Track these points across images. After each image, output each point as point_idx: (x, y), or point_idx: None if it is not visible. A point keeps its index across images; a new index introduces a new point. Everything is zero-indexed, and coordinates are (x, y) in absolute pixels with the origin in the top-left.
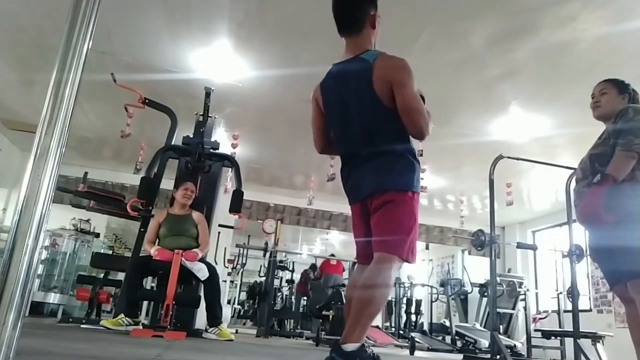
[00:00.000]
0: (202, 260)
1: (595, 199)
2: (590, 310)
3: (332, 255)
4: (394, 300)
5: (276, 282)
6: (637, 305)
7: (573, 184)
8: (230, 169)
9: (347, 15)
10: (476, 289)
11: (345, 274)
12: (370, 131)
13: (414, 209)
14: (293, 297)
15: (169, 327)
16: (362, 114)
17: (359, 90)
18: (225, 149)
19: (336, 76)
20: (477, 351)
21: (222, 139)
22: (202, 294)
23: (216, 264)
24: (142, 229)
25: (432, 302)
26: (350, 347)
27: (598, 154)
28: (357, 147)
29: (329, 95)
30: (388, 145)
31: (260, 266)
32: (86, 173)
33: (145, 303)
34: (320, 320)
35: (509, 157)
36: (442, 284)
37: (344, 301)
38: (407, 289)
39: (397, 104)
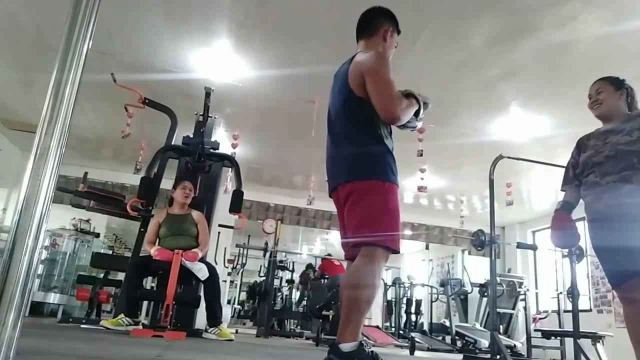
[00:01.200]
0: (202, 260)
1: None
2: (590, 310)
3: (329, 254)
4: (394, 300)
5: (276, 282)
6: None
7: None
8: (230, 169)
9: (364, 23)
10: (476, 289)
11: None
12: (341, 121)
13: (385, 196)
14: (294, 297)
15: (169, 327)
16: (337, 105)
17: (340, 83)
18: (225, 149)
19: (336, 74)
20: (477, 351)
21: (222, 139)
22: (202, 294)
23: (216, 264)
24: (142, 229)
25: (432, 302)
26: (346, 346)
27: (637, 152)
28: (332, 137)
29: (331, 91)
30: (355, 136)
31: (260, 266)
32: (86, 173)
33: (145, 303)
34: (320, 320)
35: (509, 157)
36: (442, 284)
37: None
38: (407, 289)
39: (367, 89)
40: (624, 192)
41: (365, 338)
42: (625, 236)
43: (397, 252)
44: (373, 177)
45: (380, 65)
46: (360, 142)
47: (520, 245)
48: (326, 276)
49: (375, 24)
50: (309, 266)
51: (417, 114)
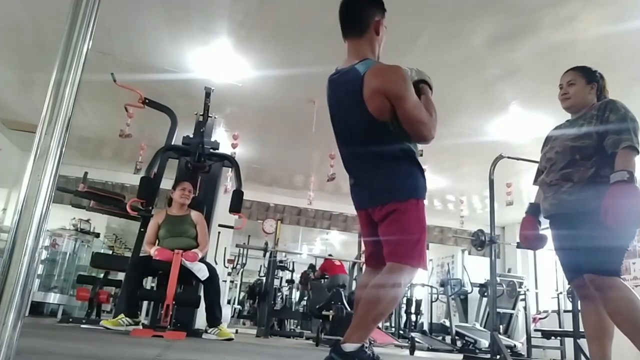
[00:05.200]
0: (202, 260)
1: (636, 199)
2: None
3: (330, 255)
4: None
5: (276, 282)
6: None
7: None
8: (230, 169)
9: (351, 18)
10: (476, 289)
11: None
12: (367, 145)
13: (420, 215)
14: (294, 297)
15: (169, 327)
16: (356, 127)
17: (349, 104)
18: (225, 149)
19: (332, 86)
20: (477, 351)
21: (222, 139)
22: (202, 294)
23: (216, 264)
24: (142, 229)
25: (432, 302)
26: (349, 347)
27: (580, 147)
28: (353, 156)
29: (328, 101)
30: (384, 154)
31: (260, 266)
32: (86, 173)
33: (145, 303)
34: (320, 320)
35: (509, 157)
36: (442, 284)
37: (345, 302)
38: (407, 289)
39: (399, 116)
40: (564, 191)
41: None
42: (570, 235)
43: (424, 269)
44: (411, 196)
45: (407, 89)
46: (395, 163)
47: (520, 245)
48: (326, 276)
49: (363, 19)
50: (311, 267)
51: None
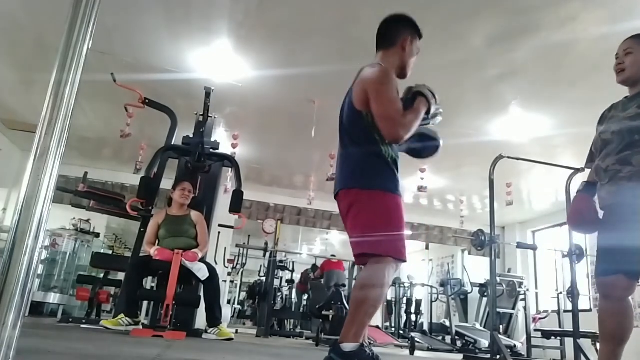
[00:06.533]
0: (202, 260)
1: None
2: (590, 310)
3: (333, 255)
4: (394, 300)
5: (276, 282)
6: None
7: (575, 183)
8: (230, 169)
9: (382, 31)
10: (476, 289)
11: (346, 274)
12: (347, 132)
13: (387, 205)
14: (294, 297)
15: (169, 327)
16: (345, 116)
17: (347, 96)
18: (225, 149)
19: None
20: (477, 351)
21: (222, 139)
22: (202, 294)
23: (216, 264)
24: (142, 229)
25: (432, 302)
26: (348, 346)
27: None
28: (341, 145)
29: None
30: (358, 147)
31: (260, 266)
32: (86, 173)
33: (145, 303)
34: (320, 320)
35: (509, 157)
36: (442, 284)
37: (345, 302)
38: (407, 289)
39: (372, 110)
40: (623, 176)
41: (365, 338)
42: (622, 235)
43: (403, 261)
44: (375, 187)
45: (383, 84)
46: (362, 153)
47: (520, 245)
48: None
49: (394, 35)
50: (314, 266)
51: (427, 111)
